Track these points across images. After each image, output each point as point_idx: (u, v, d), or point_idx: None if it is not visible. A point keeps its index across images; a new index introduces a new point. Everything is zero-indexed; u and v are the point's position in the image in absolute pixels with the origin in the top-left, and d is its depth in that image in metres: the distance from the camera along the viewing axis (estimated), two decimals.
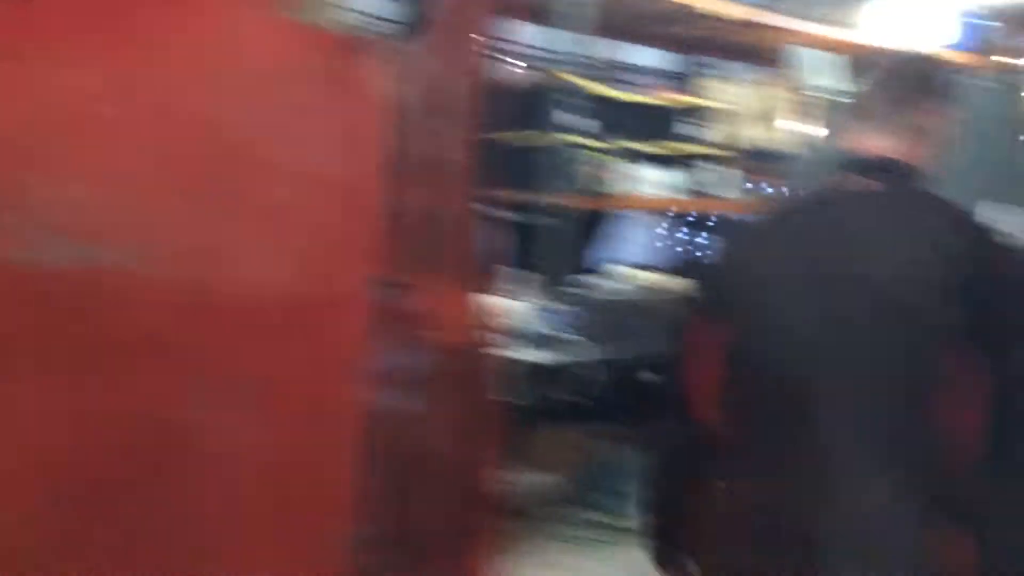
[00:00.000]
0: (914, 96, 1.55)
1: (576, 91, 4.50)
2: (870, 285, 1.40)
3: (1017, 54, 6.09)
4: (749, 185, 5.31)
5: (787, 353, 1.46)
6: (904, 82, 1.57)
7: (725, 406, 1.54)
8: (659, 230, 5.65)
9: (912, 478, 1.36)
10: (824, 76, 5.43)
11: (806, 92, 5.31)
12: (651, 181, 4.96)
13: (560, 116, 4.45)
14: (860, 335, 1.40)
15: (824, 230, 1.50)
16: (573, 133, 4.49)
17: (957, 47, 5.90)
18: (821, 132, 5.02)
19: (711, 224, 5.65)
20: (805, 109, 5.26)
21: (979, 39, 5.88)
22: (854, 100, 1.64)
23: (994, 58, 5.83)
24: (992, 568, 1.34)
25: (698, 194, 5.17)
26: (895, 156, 1.51)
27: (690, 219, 5.71)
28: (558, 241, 4.37)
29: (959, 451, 1.36)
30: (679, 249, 5.67)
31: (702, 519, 1.58)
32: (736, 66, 5.69)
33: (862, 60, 5.50)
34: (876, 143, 1.53)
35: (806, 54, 5.45)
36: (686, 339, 1.65)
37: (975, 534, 1.35)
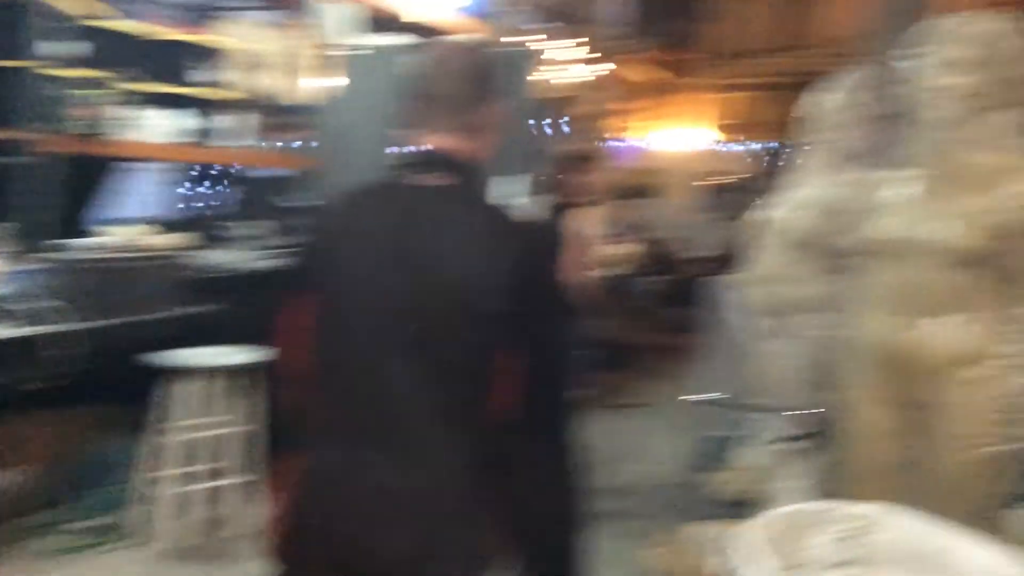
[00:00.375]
0: (473, 94, 1.67)
1: (63, 15, 3.84)
2: (428, 276, 1.56)
3: (519, 29, 6.57)
4: (266, 136, 5.03)
5: (361, 335, 1.59)
6: (461, 82, 1.67)
7: (312, 380, 1.63)
8: (164, 181, 5.10)
9: (465, 442, 1.56)
10: (344, 30, 5.33)
11: (327, 45, 5.17)
12: (156, 126, 4.45)
13: (42, 44, 3.77)
14: (421, 320, 1.55)
15: (389, 224, 1.61)
16: (58, 64, 3.83)
17: (468, 11, 6.19)
18: (341, 87, 4.92)
19: (225, 176, 5.27)
20: (326, 62, 5.11)
21: (485, 8, 6.21)
22: (414, 97, 1.70)
23: (498, 28, 6.21)
24: (524, 509, 1.60)
25: (209, 143, 4.76)
26: (454, 152, 1.64)
27: (199, 170, 5.25)
28: (36, 190, 3.72)
29: (503, 416, 1.56)
30: (185, 203, 5.18)
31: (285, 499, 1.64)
32: (258, 11, 5.32)
33: (383, 18, 5.51)
34: (436, 140, 1.65)
35: (327, 7, 5.30)
36: (276, 317, 1.71)
37: (515, 486, 1.59)
